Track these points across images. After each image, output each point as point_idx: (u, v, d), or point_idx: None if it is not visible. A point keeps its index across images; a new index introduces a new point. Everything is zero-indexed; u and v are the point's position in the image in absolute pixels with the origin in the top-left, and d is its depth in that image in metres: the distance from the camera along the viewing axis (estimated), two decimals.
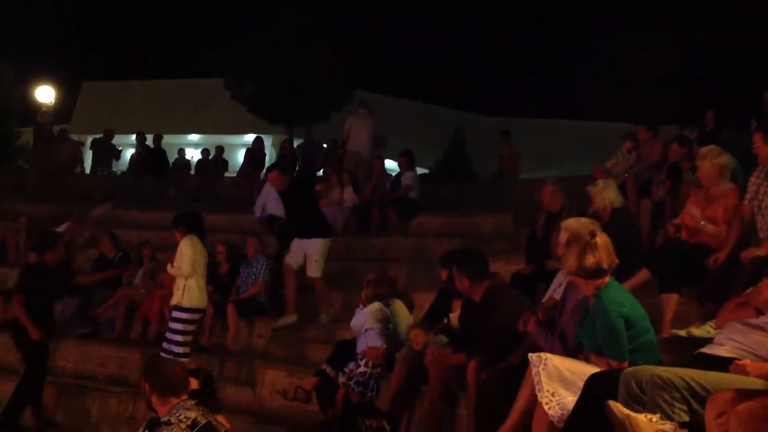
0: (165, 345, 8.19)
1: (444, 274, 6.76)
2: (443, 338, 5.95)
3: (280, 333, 8.99)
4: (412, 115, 25.38)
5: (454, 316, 6.44)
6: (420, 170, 13.68)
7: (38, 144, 17.43)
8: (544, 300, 6.43)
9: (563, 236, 4.71)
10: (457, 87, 31.27)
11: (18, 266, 12.24)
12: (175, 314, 8.26)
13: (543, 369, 4.26)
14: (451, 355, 5.49)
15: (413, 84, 30.41)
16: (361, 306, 6.98)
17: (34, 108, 20.10)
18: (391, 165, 16.05)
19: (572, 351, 4.60)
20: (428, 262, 9.62)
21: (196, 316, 8.36)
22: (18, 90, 19.76)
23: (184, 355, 7.98)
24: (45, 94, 22.02)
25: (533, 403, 4.33)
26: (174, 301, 8.33)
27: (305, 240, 8.92)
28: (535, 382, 4.27)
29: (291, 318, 8.98)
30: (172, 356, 7.65)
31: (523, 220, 10.05)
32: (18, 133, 21.55)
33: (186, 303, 8.18)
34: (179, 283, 8.27)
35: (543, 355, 4.35)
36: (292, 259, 8.97)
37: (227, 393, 8.11)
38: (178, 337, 8.15)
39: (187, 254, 8.13)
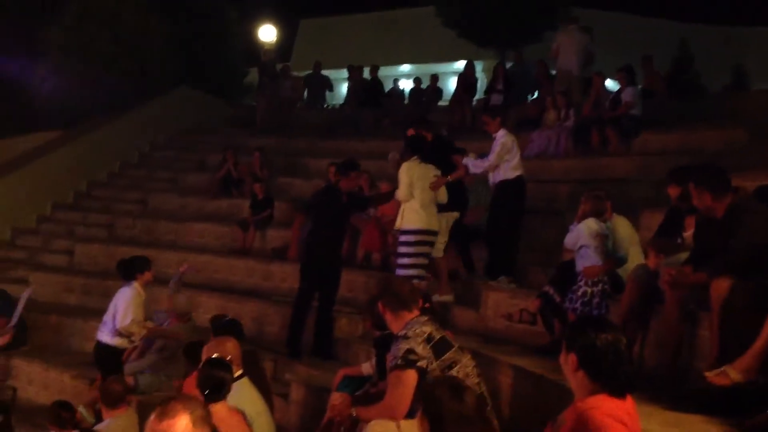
0: (398, 270, 8.29)
1: (675, 192, 6.41)
2: (681, 257, 5.63)
3: None
4: (631, 30, 23.98)
5: (688, 235, 6.08)
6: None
7: (263, 81, 18.38)
8: None
9: None
10: None
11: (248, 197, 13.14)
12: (400, 238, 8.43)
13: None
14: (692, 274, 5.18)
15: None
16: (575, 222, 6.81)
17: (257, 47, 21.16)
18: (611, 84, 15.31)
19: None
20: (653, 181, 9.21)
21: (421, 238, 8.23)
22: (243, 31, 20.85)
23: (416, 277, 7.93)
24: (267, 33, 23.12)
25: None
26: (395, 226, 8.55)
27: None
28: None
29: (447, 297, 8.59)
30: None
31: (759, 133, 9.31)
32: (245, 72, 22.89)
33: (404, 225, 8.30)
34: (401, 208, 8.42)
35: None
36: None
37: (453, 314, 8.29)
38: (405, 260, 8.27)
39: (402, 180, 8.29)
